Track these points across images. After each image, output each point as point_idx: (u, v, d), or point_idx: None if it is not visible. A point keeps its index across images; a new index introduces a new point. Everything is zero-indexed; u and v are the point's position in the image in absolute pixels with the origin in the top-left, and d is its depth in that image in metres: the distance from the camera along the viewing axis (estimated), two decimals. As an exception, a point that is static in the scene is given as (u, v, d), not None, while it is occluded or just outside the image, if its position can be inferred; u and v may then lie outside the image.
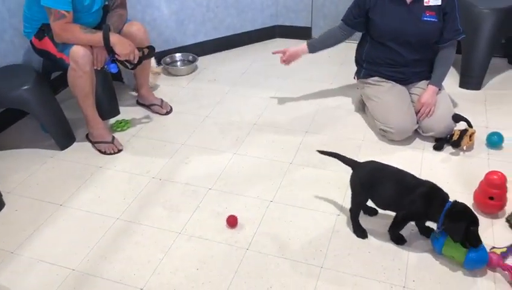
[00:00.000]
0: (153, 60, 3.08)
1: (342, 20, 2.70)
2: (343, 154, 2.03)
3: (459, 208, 1.77)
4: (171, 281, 1.82)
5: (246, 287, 1.78)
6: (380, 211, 2.05)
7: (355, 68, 2.85)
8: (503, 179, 2.01)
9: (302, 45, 2.82)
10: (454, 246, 1.80)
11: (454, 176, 2.30)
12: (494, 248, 1.86)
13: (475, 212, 1.78)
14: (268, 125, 2.79)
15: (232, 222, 2.05)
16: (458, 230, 1.74)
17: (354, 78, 2.83)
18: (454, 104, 2.82)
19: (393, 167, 1.95)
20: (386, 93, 2.59)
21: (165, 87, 3.26)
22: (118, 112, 2.86)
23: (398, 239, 1.95)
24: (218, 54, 3.74)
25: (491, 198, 2.02)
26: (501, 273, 1.79)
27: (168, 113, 2.95)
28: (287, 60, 2.84)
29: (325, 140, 2.62)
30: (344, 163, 2.02)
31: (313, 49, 2.80)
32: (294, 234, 2.01)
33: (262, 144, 2.62)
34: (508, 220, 2.01)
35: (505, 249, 1.85)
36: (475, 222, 1.76)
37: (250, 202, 2.20)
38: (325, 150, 2.08)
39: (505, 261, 1.81)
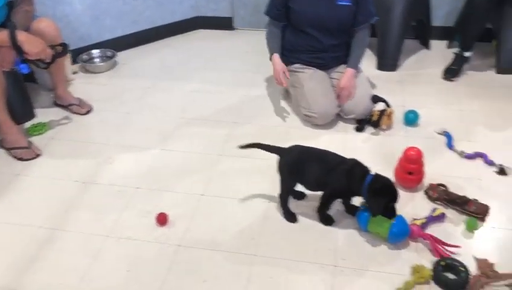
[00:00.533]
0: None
1: (266, 14, 2.69)
2: (270, 143, 2.05)
3: (380, 184, 1.85)
4: (101, 287, 1.75)
5: (179, 284, 1.76)
6: (308, 193, 2.10)
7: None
8: (419, 154, 2.12)
9: (276, 59, 2.68)
10: (379, 223, 1.88)
11: (376, 155, 2.40)
12: (414, 219, 1.97)
13: (395, 187, 1.86)
14: (194, 118, 2.76)
15: (162, 219, 2.01)
16: (378, 205, 1.83)
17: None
18: (373, 86, 2.93)
19: (317, 149, 2.00)
20: (308, 80, 2.64)
21: (84, 86, 3.12)
22: (33, 115, 2.69)
23: (326, 219, 2.00)
24: (138, 48, 3.62)
25: (410, 173, 2.13)
26: (422, 243, 1.90)
27: (88, 112, 2.82)
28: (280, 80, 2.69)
29: (253, 129, 2.63)
30: (269, 151, 2.04)
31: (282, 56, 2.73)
32: (227, 226, 2.01)
33: (190, 137, 2.59)
34: (426, 193, 2.13)
35: (424, 220, 1.96)
36: (394, 198, 1.85)
37: (180, 198, 2.16)
38: (249, 142, 2.07)
39: (425, 231, 1.92)
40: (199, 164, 2.38)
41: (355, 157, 1.93)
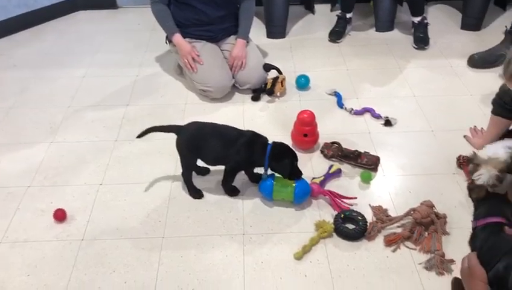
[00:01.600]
0: None
1: None
2: (167, 122, 2.01)
3: (280, 148, 1.91)
4: (-1, 297, 1.63)
5: (87, 279, 1.69)
6: (212, 167, 2.10)
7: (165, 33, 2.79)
8: (311, 116, 2.21)
9: (179, 40, 2.59)
10: (282, 190, 1.93)
11: (274, 122, 2.45)
12: (314, 178, 2.06)
13: (293, 149, 1.93)
14: (84, 105, 2.61)
15: (59, 216, 1.90)
16: (285, 167, 1.89)
17: (166, 42, 2.78)
18: (264, 54, 2.98)
19: (215, 124, 2.00)
20: (199, 54, 2.60)
21: (-47, 83, 2.81)
22: None
23: (231, 191, 2.02)
24: (13, 36, 3.32)
25: (305, 135, 2.21)
26: (323, 199, 1.99)
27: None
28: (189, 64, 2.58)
29: (148, 110, 2.55)
30: (166, 131, 2.00)
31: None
32: (131, 212, 1.95)
33: (81, 126, 2.45)
34: (322, 152, 2.23)
35: (322, 177, 2.06)
36: (295, 157, 1.93)
37: (77, 191, 2.05)
38: (144, 129, 2.00)
39: (324, 188, 2.02)
40: (95, 153, 2.26)
41: (253, 128, 1.96)
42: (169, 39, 2.67)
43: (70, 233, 1.86)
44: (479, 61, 2.83)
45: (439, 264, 1.69)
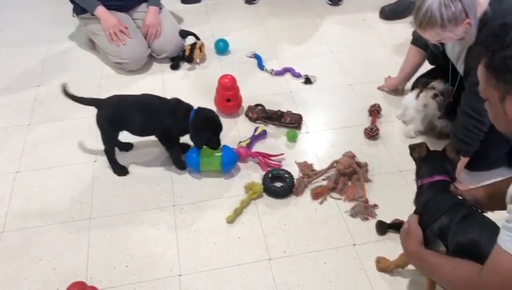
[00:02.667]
0: None
1: None
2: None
3: (201, 119, 1.87)
4: None
5: (12, 272, 1.61)
6: (135, 142, 2.05)
7: (71, 6, 2.62)
8: (233, 80, 2.19)
9: (103, 13, 2.44)
10: (209, 161, 1.91)
11: (196, 89, 2.41)
12: (240, 142, 2.07)
13: (219, 117, 1.91)
14: (-11, 90, 2.42)
15: (-26, 210, 1.78)
16: (200, 140, 1.87)
17: (73, 16, 2.62)
18: (180, 21, 2.89)
19: (136, 95, 1.93)
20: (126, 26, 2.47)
21: None
22: None
23: (179, 163, 1.96)
24: None
25: (228, 100, 2.20)
26: (252, 162, 2.01)
27: None
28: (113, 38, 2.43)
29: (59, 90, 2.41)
30: (86, 104, 1.91)
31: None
32: (53, 196, 1.87)
33: (-11, 112, 2.28)
34: (246, 115, 2.23)
35: (248, 140, 2.07)
36: (216, 130, 1.89)
37: (-9, 181, 1.93)
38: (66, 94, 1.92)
39: (252, 150, 2.04)
40: (7, 140, 2.12)
41: (176, 96, 1.92)
42: (91, 13, 2.48)
43: (-12, 227, 1.76)
44: (390, 13, 2.93)
45: (363, 210, 1.78)
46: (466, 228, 1.24)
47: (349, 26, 2.89)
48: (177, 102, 1.91)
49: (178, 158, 1.97)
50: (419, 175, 1.46)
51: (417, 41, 2.14)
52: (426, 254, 1.26)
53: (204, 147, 1.90)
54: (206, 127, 1.86)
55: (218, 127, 1.91)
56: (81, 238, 1.72)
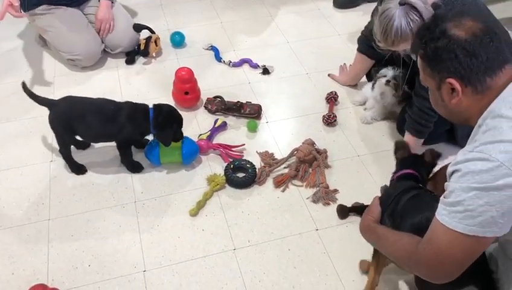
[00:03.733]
0: None
1: None
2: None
3: (162, 116, 1.82)
4: None
5: (-33, 279, 1.55)
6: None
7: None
8: (190, 73, 2.18)
9: None
10: (169, 153, 1.89)
11: (153, 84, 2.38)
12: (200, 134, 2.06)
13: (178, 110, 1.89)
14: None
15: None
16: (167, 137, 1.84)
17: (20, 11, 2.51)
18: (134, 15, 2.83)
19: (91, 98, 1.88)
20: (60, 20, 2.39)
21: None
22: None
23: (134, 167, 1.92)
24: None
25: (186, 93, 2.18)
26: (213, 154, 2.01)
27: None
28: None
29: (12, 88, 2.31)
30: (39, 103, 1.85)
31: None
32: (8, 200, 1.81)
33: None
34: (205, 107, 2.22)
35: (209, 133, 2.07)
36: (179, 123, 1.87)
37: None
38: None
39: (213, 142, 2.04)
40: (-45, 143, 2.04)
41: (132, 93, 1.89)
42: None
43: None
44: (343, 2, 2.97)
45: (324, 195, 1.82)
46: (413, 207, 1.30)
47: (304, 16, 2.92)
48: (132, 105, 1.85)
49: (132, 162, 1.93)
50: (393, 173, 1.52)
51: (363, 48, 2.19)
52: (376, 228, 1.31)
53: None
54: (169, 123, 1.83)
55: (180, 120, 1.88)
56: (41, 240, 1.67)
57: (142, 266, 1.60)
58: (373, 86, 2.08)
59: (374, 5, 2.83)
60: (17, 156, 1.98)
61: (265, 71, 2.45)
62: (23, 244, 1.66)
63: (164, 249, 1.65)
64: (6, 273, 1.57)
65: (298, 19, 2.90)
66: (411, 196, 1.34)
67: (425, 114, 1.83)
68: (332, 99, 2.24)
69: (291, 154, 1.95)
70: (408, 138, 1.91)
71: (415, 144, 1.89)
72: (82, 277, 1.56)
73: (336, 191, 1.85)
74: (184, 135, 1.93)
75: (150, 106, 1.86)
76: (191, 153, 1.94)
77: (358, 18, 2.82)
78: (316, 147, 1.98)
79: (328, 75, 2.42)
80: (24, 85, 1.86)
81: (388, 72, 2.01)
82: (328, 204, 1.80)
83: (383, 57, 2.13)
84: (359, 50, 2.22)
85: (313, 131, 2.11)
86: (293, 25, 2.83)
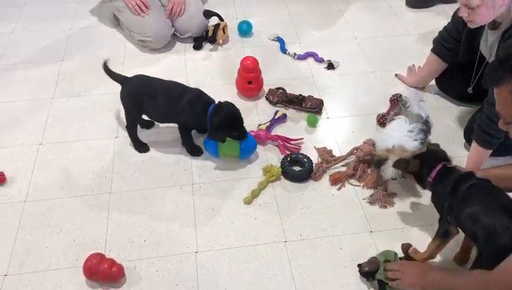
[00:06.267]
0: None
1: None
2: (106, 77, 1.93)
3: (220, 117, 1.80)
4: None
5: (33, 240, 1.65)
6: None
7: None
8: (255, 62, 2.18)
9: None
10: (227, 146, 1.89)
11: (217, 70, 2.41)
12: (260, 125, 2.07)
13: (237, 113, 1.85)
14: (16, 62, 2.45)
15: (-1, 178, 1.82)
16: (218, 137, 1.85)
17: (99, -9, 2.63)
18: (204, 1, 2.87)
19: (161, 79, 1.93)
20: (134, 2, 2.47)
21: None
22: None
23: (193, 151, 1.96)
24: None
25: (250, 82, 2.19)
26: (271, 145, 2.01)
27: None
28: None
29: (85, 64, 2.44)
30: (113, 79, 1.93)
31: None
32: (74, 170, 1.90)
33: (13, 85, 2.31)
34: (267, 98, 2.23)
35: (268, 123, 2.07)
36: (234, 127, 1.83)
37: (15, 152, 1.97)
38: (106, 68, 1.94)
39: (271, 133, 2.04)
40: (30, 112, 2.16)
41: (197, 78, 1.91)
42: None
43: (11, 195, 1.79)
44: (416, 1, 2.87)
45: (381, 198, 1.78)
46: (469, 198, 1.35)
47: (375, 13, 2.85)
48: (198, 93, 1.87)
49: (192, 146, 1.96)
50: (423, 177, 1.52)
51: (438, 49, 2.10)
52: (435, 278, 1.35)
53: None
54: (223, 125, 1.81)
55: (236, 124, 1.84)
56: (101, 211, 1.75)
57: (194, 247, 1.63)
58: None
59: (449, 6, 2.75)
60: (85, 130, 2.07)
61: (330, 66, 2.42)
62: (86, 213, 1.74)
63: (217, 233, 1.68)
64: (68, 240, 1.65)
65: (368, 15, 2.83)
66: (471, 184, 1.38)
67: (496, 124, 1.74)
68: (395, 101, 2.16)
69: (351, 153, 1.91)
70: (475, 148, 1.82)
71: (483, 157, 1.79)
72: (137, 250, 1.62)
73: (394, 194, 1.80)
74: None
75: (217, 101, 1.86)
76: (249, 149, 1.93)
77: (432, 19, 2.72)
78: (377, 147, 1.94)
79: (396, 75, 2.35)
80: (105, 63, 1.94)
81: (377, 157, 1.74)
82: (385, 207, 1.76)
83: (456, 61, 2.05)
84: (433, 50, 2.14)
85: (374, 131, 2.06)
86: (362, 22, 2.77)
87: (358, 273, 1.55)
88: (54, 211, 1.74)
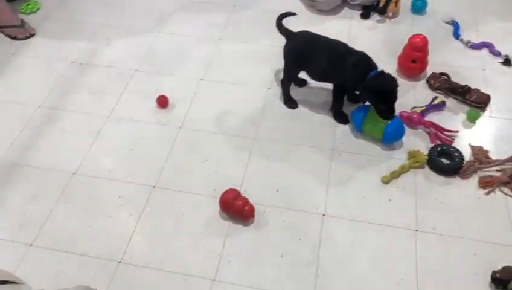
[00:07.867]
0: None
1: None
2: (272, 30, 1.98)
3: (377, 86, 1.75)
4: (103, 163, 1.80)
5: (181, 163, 1.80)
6: (310, 82, 2.07)
7: None
8: (425, 41, 2.07)
9: None
10: (372, 124, 1.83)
11: (380, 43, 2.33)
12: (414, 107, 1.97)
13: (397, 87, 1.78)
14: (194, 1, 2.62)
15: (162, 102, 2.00)
16: (366, 97, 1.81)
17: None
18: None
19: (326, 37, 1.92)
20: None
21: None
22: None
23: (340, 117, 1.95)
24: None
25: (413, 61, 2.09)
26: (421, 130, 1.91)
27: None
28: None
29: (254, 14, 2.52)
30: (280, 33, 1.97)
31: None
32: (227, 110, 2.01)
33: (189, 21, 2.49)
34: (428, 81, 2.10)
35: (424, 107, 1.96)
36: (388, 100, 1.76)
37: (179, 82, 2.14)
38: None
39: (425, 118, 1.93)
40: (198, 48, 2.31)
41: (359, 48, 1.86)
42: None
43: (170, 120, 1.97)
44: None
45: (535, 215, 1.61)
46: None
47: None
48: (362, 56, 1.81)
49: (340, 112, 1.94)
50: None
51: None
52: None
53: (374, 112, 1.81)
54: (377, 91, 1.74)
55: (391, 99, 1.76)
56: (243, 153, 1.84)
57: (323, 210, 1.65)
58: None
59: None
60: (243, 75, 2.17)
61: (507, 62, 2.19)
62: (230, 151, 1.85)
63: (347, 203, 1.67)
64: (210, 170, 1.78)
65: None
66: None
67: None
68: None
69: (510, 160, 1.75)
70: None
71: None
72: (269, 198, 1.69)
73: (551, 216, 1.62)
74: (396, 103, 1.79)
75: (380, 69, 1.80)
76: (394, 135, 1.83)
77: None
78: (543, 161, 1.74)
79: None
80: (279, 17, 1.99)
81: None
82: (537, 226, 1.59)
83: None
84: None
85: (543, 143, 1.85)
86: (557, 20, 2.45)
87: (487, 285, 1.44)
88: (203, 142, 1.88)
